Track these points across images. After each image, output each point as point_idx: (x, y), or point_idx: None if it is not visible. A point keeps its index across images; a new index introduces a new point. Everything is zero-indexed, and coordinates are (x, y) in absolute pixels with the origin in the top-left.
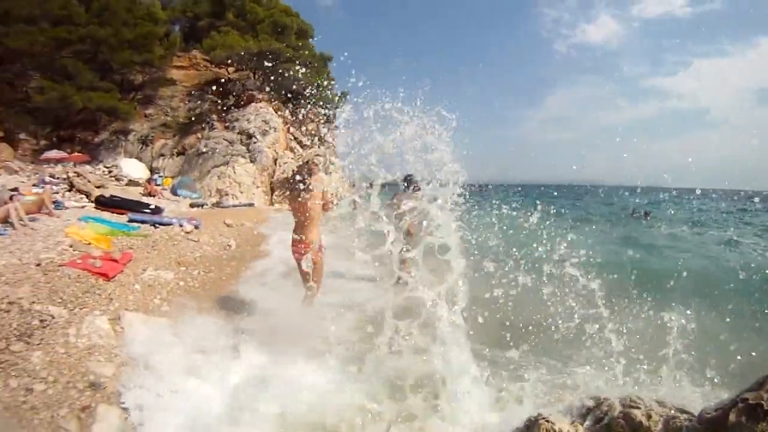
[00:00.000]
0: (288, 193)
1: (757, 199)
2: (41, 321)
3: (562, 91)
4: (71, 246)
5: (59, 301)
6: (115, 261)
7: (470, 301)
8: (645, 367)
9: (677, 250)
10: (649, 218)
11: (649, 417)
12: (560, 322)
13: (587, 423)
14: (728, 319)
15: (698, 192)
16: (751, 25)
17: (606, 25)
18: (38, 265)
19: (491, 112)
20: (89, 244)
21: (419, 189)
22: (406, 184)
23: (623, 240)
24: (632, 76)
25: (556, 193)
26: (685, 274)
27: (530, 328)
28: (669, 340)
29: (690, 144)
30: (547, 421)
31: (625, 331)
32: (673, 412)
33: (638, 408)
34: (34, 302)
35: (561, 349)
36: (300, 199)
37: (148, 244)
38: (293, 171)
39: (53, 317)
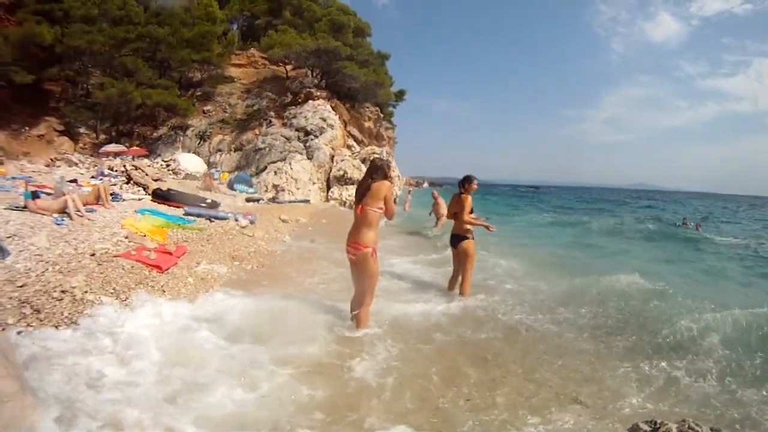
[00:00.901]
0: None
1: None
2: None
3: (619, 91)
4: (127, 237)
5: (111, 291)
6: (170, 254)
7: None
8: None
9: None
10: (700, 229)
11: None
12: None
13: None
14: None
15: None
16: None
17: (664, 23)
18: (93, 255)
19: (550, 112)
20: (145, 236)
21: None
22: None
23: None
24: (690, 77)
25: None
26: None
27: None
28: None
29: (749, 149)
30: None
31: None
32: None
33: None
34: (86, 292)
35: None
36: (363, 200)
37: (203, 237)
38: (369, 168)
39: (104, 305)
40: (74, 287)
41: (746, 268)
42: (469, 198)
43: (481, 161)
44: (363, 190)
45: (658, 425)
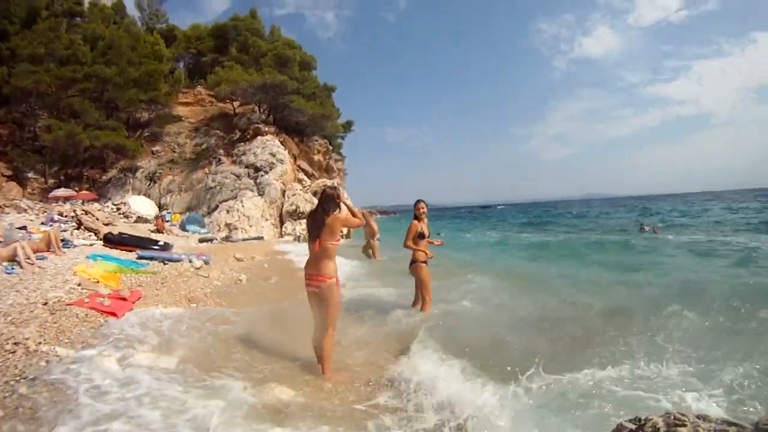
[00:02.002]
0: (309, 223)
1: None
2: (47, 362)
3: (565, 107)
4: (79, 284)
5: (66, 341)
6: (124, 299)
7: None
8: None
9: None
10: (658, 232)
11: None
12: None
13: None
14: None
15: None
16: (747, 21)
17: (603, 36)
18: (45, 304)
19: (499, 132)
20: (98, 282)
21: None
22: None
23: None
24: (633, 86)
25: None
26: None
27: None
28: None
29: (695, 148)
30: None
31: None
32: (720, 425)
33: (684, 425)
34: (40, 343)
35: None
36: (320, 236)
37: (158, 281)
38: (320, 198)
39: (59, 357)
40: (27, 338)
41: (703, 261)
42: (414, 223)
43: (435, 185)
44: (318, 224)
45: (643, 421)
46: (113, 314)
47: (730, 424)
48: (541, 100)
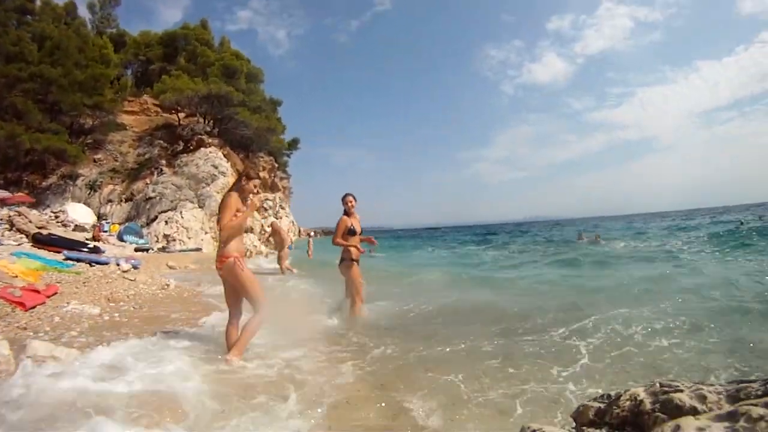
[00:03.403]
0: None
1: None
2: None
3: (512, 131)
4: None
5: None
6: (37, 292)
7: None
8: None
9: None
10: (599, 240)
11: (703, 398)
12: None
13: (604, 430)
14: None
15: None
16: (691, 51)
17: (551, 63)
18: None
19: (446, 156)
20: (16, 276)
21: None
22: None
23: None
24: (578, 112)
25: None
26: None
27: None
28: None
29: (639, 171)
30: None
31: None
32: (727, 385)
33: (680, 391)
34: None
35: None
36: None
37: (79, 280)
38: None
39: None
40: None
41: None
42: (343, 218)
43: (382, 209)
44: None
45: (614, 397)
46: (21, 305)
47: (738, 382)
48: (488, 125)
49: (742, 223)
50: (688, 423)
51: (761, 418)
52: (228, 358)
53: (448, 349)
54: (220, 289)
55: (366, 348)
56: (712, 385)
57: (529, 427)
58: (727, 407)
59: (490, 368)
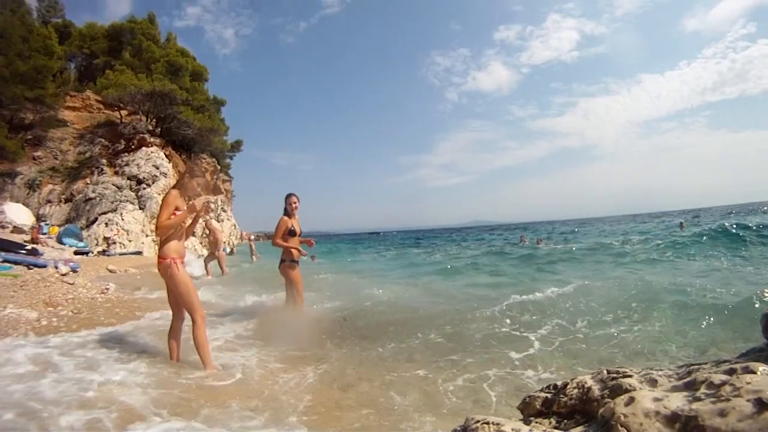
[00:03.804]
0: None
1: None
2: None
3: (454, 137)
4: None
5: None
6: None
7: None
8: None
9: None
10: (541, 243)
11: (654, 382)
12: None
13: (553, 420)
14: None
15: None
16: (634, 63)
17: (496, 72)
18: None
19: (388, 162)
20: None
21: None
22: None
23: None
24: (521, 119)
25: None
26: None
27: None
28: None
29: (580, 178)
30: (491, 424)
31: None
32: (678, 369)
33: (629, 376)
34: None
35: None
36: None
37: (16, 283)
38: None
39: None
40: None
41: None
42: (284, 219)
43: (322, 213)
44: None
45: (560, 386)
46: None
47: (688, 365)
48: (431, 130)
49: (682, 225)
50: (643, 394)
51: (724, 383)
52: (206, 374)
53: (403, 345)
54: (159, 293)
55: (325, 349)
56: (661, 369)
57: (473, 419)
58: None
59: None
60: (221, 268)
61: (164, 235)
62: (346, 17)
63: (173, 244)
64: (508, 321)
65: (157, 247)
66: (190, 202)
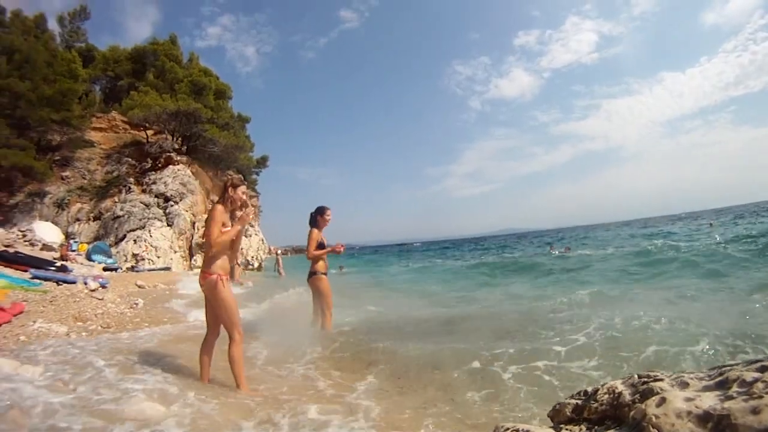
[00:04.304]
0: None
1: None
2: None
3: (479, 146)
4: None
5: None
6: (2, 310)
7: None
8: None
9: None
10: (568, 251)
11: (685, 385)
12: None
13: (584, 427)
14: None
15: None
16: (655, 63)
17: (518, 78)
18: None
19: (414, 173)
20: None
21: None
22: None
23: None
24: (545, 124)
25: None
26: None
27: None
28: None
29: (605, 181)
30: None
31: None
32: (708, 371)
33: (661, 380)
34: None
35: None
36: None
37: (46, 299)
38: None
39: None
40: None
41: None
42: (315, 231)
43: (347, 226)
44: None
45: (591, 393)
46: None
47: (719, 367)
48: (456, 140)
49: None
50: (674, 394)
51: (757, 380)
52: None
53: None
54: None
55: (371, 354)
56: (692, 372)
57: (503, 426)
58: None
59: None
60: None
61: (218, 248)
62: (365, 31)
63: (219, 261)
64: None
65: (185, 263)
66: (241, 213)
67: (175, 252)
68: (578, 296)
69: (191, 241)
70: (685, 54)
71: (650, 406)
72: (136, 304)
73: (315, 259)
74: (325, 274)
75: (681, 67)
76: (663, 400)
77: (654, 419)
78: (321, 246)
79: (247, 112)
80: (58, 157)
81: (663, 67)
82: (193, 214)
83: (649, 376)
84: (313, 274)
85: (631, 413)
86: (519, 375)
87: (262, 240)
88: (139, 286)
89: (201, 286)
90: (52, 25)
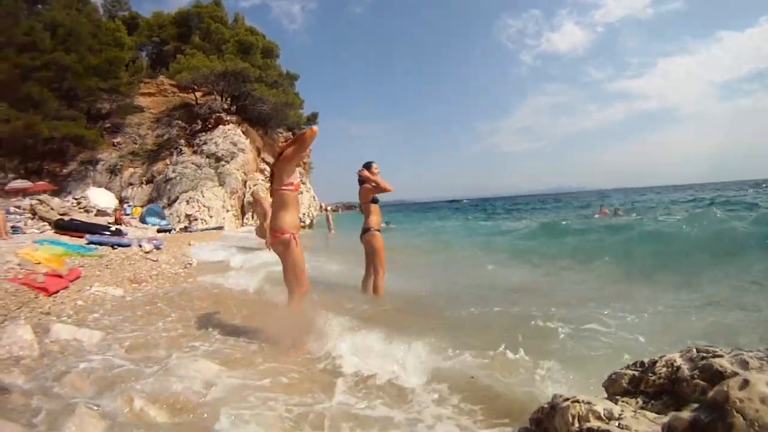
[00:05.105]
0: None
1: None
2: None
3: (530, 101)
4: (19, 265)
5: None
6: (60, 277)
7: None
8: None
9: None
10: (620, 212)
11: (745, 363)
12: None
13: (640, 399)
14: None
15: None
16: (713, 20)
17: (570, 32)
18: None
19: (465, 127)
20: (39, 263)
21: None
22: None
23: None
24: (598, 81)
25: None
26: None
27: None
28: None
29: (659, 142)
30: (581, 402)
31: None
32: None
33: (720, 356)
34: None
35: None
36: (272, 183)
37: (102, 263)
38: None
39: None
40: None
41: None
42: (366, 187)
43: (399, 182)
44: (271, 172)
45: (647, 364)
46: (44, 290)
47: None
48: (507, 94)
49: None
50: (758, 377)
51: None
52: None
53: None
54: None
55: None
56: (750, 350)
57: (561, 396)
58: None
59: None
60: (264, 238)
61: (294, 205)
62: None
63: (289, 218)
64: None
65: (237, 222)
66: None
67: (227, 211)
68: None
69: (243, 200)
70: (745, 13)
71: (733, 389)
72: (191, 263)
73: (368, 214)
74: (378, 230)
75: (740, 27)
76: (746, 383)
77: (738, 403)
78: (375, 201)
79: (295, 69)
80: (108, 125)
81: (721, 25)
82: (245, 173)
83: (708, 351)
84: (366, 230)
85: (711, 394)
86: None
87: (314, 197)
88: (192, 246)
89: (271, 246)
90: None
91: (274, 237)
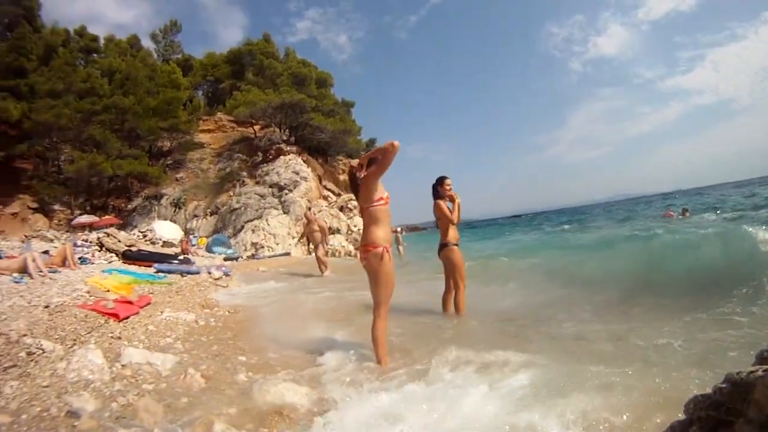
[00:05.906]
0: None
1: None
2: (28, 354)
3: (584, 109)
4: (89, 293)
5: (56, 337)
6: (130, 303)
7: None
8: None
9: None
10: (687, 215)
11: None
12: None
13: None
14: None
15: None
16: (757, 2)
17: (616, 34)
18: (47, 307)
19: (522, 142)
20: (108, 291)
21: None
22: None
23: None
24: (650, 81)
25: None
26: None
27: None
28: None
29: (718, 136)
30: None
31: None
32: None
33: None
34: (25, 335)
35: None
36: (360, 201)
37: (172, 290)
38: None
39: (44, 351)
40: (11, 330)
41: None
42: (440, 202)
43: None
44: (355, 187)
45: None
46: (115, 315)
47: None
48: (560, 104)
49: None
50: None
51: None
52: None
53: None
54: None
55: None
56: None
57: (738, 373)
58: None
59: None
60: (319, 266)
61: (376, 220)
62: (452, 5)
63: (381, 233)
64: None
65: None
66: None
67: (293, 238)
68: None
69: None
70: None
71: None
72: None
73: (445, 230)
74: (456, 244)
75: None
76: None
77: None
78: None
79: (350, 97)
80: (170, 161)
81: (765, 6)
82: (309, 200)
83: None
84: (444, 246)
85: None
86: None
87: None
88: (263, 271)
89: (363, 261)
90: (147, 43)
91: (366, 251)
